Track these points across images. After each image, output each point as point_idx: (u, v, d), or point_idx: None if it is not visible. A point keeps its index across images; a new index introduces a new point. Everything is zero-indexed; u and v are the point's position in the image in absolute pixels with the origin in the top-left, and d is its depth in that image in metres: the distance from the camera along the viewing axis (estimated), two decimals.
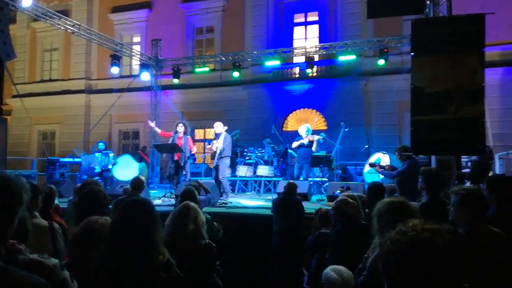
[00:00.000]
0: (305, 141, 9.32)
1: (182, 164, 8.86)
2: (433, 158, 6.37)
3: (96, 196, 2.76)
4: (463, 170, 6.77)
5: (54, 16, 10.41)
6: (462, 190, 2.54)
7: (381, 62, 11.54)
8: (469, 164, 7.76)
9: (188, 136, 9.14)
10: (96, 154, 10.72)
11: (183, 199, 3.96)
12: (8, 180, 1.35)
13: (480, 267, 2.07)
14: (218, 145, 8.52)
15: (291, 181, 6.75)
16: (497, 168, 8.23)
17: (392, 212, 2.23)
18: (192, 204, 3.30)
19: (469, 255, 1.88)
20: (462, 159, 6.82)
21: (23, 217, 1.51)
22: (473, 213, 2.43)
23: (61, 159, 12.31)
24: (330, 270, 2.67)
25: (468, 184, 6.15)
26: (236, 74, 12.75)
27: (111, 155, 10.77)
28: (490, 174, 7.17)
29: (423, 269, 1.06)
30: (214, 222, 4.53)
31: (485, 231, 2.41)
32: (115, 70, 11.83)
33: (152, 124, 9.24)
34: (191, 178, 9.04)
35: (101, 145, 10.89)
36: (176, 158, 8.81)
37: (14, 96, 17.89)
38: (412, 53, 6.24)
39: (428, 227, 1.11)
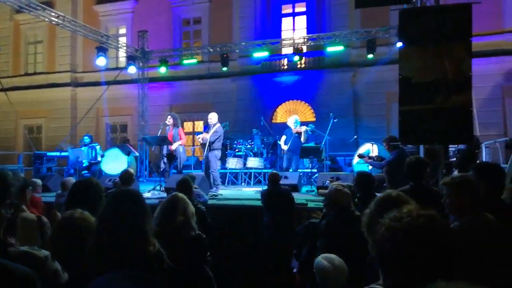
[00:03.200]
0: (284, 147, 9.45)
1: (176, 157, 8.81)
2: (421, 147, 6.41)
3: (89, 186, 2.65)
4: (450, 160, 6.83)
5: (37, 7, 10.18)
6: (458, 179, 2.45)
7: (369, 55, 11.75)
8: (456, 153, 7.85)
9: (179, 127, 9.07)
10: (83, 148, 10.57)
11: (179, 189, 3.94)
12: None
13: (485, 257, 2.03)
14: (205, 136, 8.50)
15: (273, 171, 6.72)
16: (484, 157, 8.34)
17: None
18: (181, 194, 3.26)
19: (473, 246, 1.86)
20: (450, 149, 6.88)
21: (11, 211, 1.47)
22: (473, 201, 2.35)
23: (48, 153, 12.15)
24: (322, 259, 2.67)
25: (455, 172, 6.21)
26: (224, 68, 12.95)
27: (98, 147, 10.62)
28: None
29: (419, 256, 1.02)
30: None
31: (486, 219, 2.32)
32: (101, 61, 11.58)
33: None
34: (184, 171, 8.99)
35: (86, 139, 10.73)
36: (169, 150, 8.78)
37: None
38: (400, 44, 6.25)
39: (424, 213, 1.08)
